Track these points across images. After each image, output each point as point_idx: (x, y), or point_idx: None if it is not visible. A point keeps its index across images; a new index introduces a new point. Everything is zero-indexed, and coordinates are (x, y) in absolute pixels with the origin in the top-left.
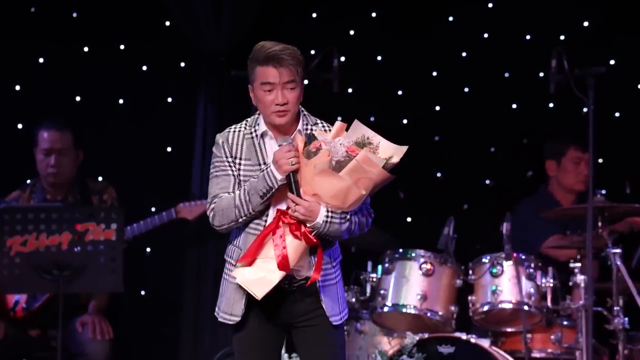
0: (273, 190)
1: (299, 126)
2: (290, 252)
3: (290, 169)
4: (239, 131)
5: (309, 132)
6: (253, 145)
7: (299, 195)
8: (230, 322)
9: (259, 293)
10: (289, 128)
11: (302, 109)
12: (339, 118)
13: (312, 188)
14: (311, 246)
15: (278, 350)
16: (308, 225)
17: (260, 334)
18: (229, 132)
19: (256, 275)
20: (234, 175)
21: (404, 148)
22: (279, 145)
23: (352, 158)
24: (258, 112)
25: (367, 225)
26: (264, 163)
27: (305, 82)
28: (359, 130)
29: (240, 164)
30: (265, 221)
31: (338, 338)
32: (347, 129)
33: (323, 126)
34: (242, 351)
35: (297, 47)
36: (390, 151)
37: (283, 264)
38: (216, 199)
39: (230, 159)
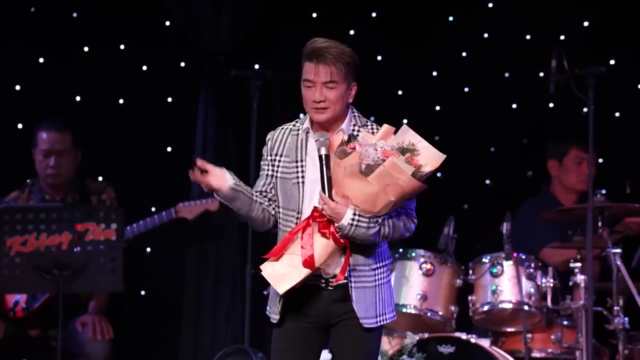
0: (225, 200)
1: (344, 125)
2: (316, 251)
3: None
4: (287, 128)
5: (355, 132)
6: (296, 142)
7: (330, 193)
8: (273, 321)
9: (280, 288)
10: (332, 126)
11: (354, 109)
12: (367, 119)
13: (342, 189)
14: (343, 246)
15: (316, 351)
16: (335, 225)
17: (298, 334)
18: (278, 129)
19: (281, 271)
20: (267, 174)
21: (442, 157)
22: (315, 141)
23: (381, 163)
24: None
25: (409, 231)
26: (302, 160)
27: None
28: (406, 135)
29: (279, 160)
30: (298, 219)
31: (370, 341)
32: (395, 133)
33: (372, 128)
34: (278, 349)
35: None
36: (430, 159)
37: (308, 262)
38: None
39: (270, 157)
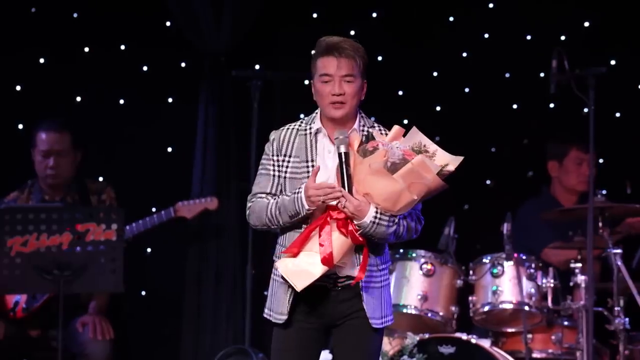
0: (301, 215)
1: (355, 125)
2: (335, 248)
3: (318, 205)
4: (293, 128)
5: (365, 132)
6: (305, 142)
7: (350, 191)
8: (279, 322)
9: (299, 285)
10: (345, 125)
11: (360, 110)
12: (372, 120)
13: (364, 187)
14: (357, 245)
15: (316, 352)
16: (355, 223)
17: (302, 335)
18: (283, 129)
19: (299, 268)
20: (274, 175)
21: (460, 158)
22: (335, 139)
23: (407, 161)
24: (316, 110)
25: (416, 232)
26: (312, 160)
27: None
28: (416, 137)
29: (288, 161)
30: (309, 219)
31: (374, 342)
32: (404, 135)
33: (380, 129)
34: (280, 349)
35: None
36: (446, 159)
37: (327, 259)
38: (254, 199)
39: (276, 157)
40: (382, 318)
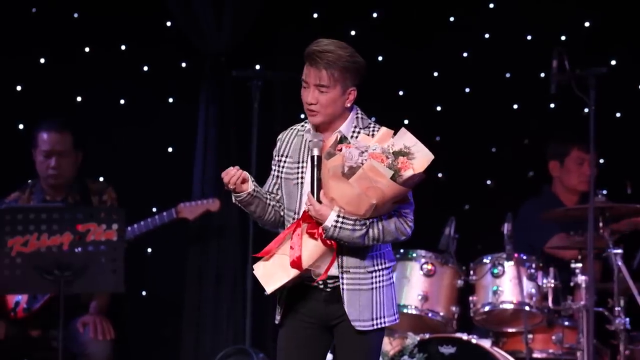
0: (241, 203)
1: (343, 127)
2: (305, 251)
3: (232, 189)
4: (295, 129)
5: (355, 135)
6: (300, 143)
7: (319, 195)
8: (276, 322)
9: (268, 288)
10: (331, 127)
11: (359, 111)
12: (371, 120)
13: (328, 191)
14: (337, 247)
15: (321, 351)
16: (322, 226)
17: (301, 335)
18: (287, 130)
19: (271, 270)
20: (274, 175)
21: (429, 159)
22: (309, 142)
23: (361, 166)
24: None
25: (403, 234)
26: (303, 161)
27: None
28: (403, 138)
29: (284, 161)
30: (294, 219)
31: (365, 344)
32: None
33: (373, 131)
34: (280, 349)
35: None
36: (422, 163)
37: (296, 262)
38: None
39: (277, 158)
40: (372, 320)
